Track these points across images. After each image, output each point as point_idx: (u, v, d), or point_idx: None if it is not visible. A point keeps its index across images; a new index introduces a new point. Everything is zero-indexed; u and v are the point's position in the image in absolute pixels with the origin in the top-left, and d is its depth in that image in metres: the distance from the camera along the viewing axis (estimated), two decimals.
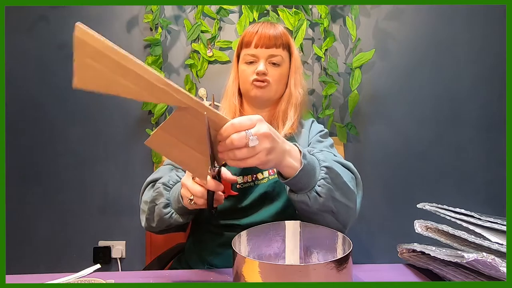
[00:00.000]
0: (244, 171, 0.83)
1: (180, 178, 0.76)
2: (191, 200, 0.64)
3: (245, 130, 0.52)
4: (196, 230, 0.89)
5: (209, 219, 0.84)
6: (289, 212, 0.81)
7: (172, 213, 0.73)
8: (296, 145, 0.62)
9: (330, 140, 0.91)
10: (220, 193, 0.63)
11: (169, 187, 0.77)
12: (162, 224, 0.76)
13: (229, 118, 0.53)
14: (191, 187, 0.63)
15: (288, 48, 0.89)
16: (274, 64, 0.87)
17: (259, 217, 0.80)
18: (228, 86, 0.94)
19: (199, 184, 0.63)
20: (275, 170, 0.83)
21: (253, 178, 0.83)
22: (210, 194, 0.62)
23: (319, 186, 0.62)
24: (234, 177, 0.66)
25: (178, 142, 0.54)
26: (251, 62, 0.87)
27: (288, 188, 0.67)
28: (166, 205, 0.74)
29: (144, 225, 0.80)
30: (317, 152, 0.68)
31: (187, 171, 0.67)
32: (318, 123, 0.99)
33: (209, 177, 0.59)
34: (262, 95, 0.88)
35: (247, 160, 0.53)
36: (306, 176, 0.61)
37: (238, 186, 0.82)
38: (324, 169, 0.63)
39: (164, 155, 0.57)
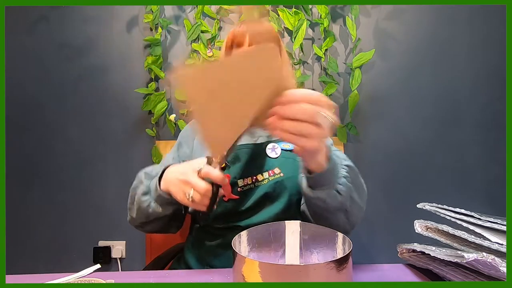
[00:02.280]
0: (244, 174, 0.82)
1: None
2: (190, 197, 0.61)
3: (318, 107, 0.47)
4: (196, 231, 0.89)
5: (209, 221, 0.83)
6: (290, 212, 0.81)
7: (151, 201, 0.72)
8: None
9: (329, 140, 0.90)
10: (222, 190, 0.62)
11: (151, 176, 0.76)
12: (142, 215, 0.74)
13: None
14: (195, 183, 0.60)
15: (277, 41, 0.88)
16: None
17: (260, 218, 0.80)
18: None
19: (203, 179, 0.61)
20: (275, 171, 0.83)
21: (253, 180, 0.82)
22: (214, 191, 0.60)
23: (340, 184, 0.62)
24: (220, 176, 0.60)
25: (218, 99, 0.47)
26: None
27: (304, 184, 0.65)
28: (145, 193, 0.73)
29: (128, 218, 0.79)
30: (335, 149, 0.67)
31: (187, 165, 0.65)
32: None
33: (217, 170, 0.57)
34: None
35: (301, 138, 0.48)
36: (330, 173, 0.60)
37: (239, 189, 0.81)
38: (346, 167, 0.63)
39: (194, 108, 0.50)
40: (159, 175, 0.71)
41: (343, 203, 0.63)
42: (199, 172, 0.61)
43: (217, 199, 0.62)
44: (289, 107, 0.47)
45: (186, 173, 0.63)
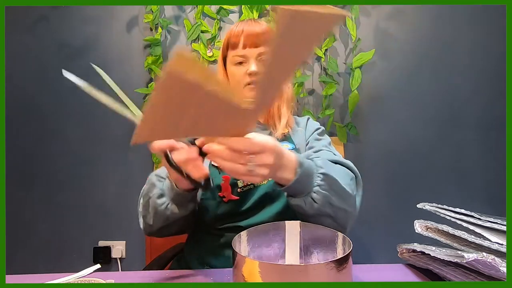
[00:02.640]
0: None
1: None
2: (186, 174, 0.58)
3: (250, 155, 0.51)
4: (196, 231, 0.89)
5: (209, 221, 0.83)
6: (290, 212, 0.80)
7: (167, 203, 0.70)
8: (293, 153, 0.62)
9: (327, 138, 0.90)
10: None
11: (162, 178, 0.74)
12: (159, 219, 0.72)
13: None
14: (180, 154, 0.57)
15: None
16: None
17: (260, 218, 0.79)
18: None
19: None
20: None
21: None
22: (198, 152, 0.57)
23: (314, 192, 0.63)
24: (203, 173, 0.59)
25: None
26: (240, 63, 0.84)
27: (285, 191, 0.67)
28: (160, 196, 0.71)
29: (142, 226, 0.77)
30: (316, 157, 0.68)
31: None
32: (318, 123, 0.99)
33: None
34: None
35: (236, 173, 0.53)
36: (300, 184, 0.62)
37: (239, 190, 0.81)
38: (321, 175, 0.63)
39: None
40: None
41: (321, 210, 0.64)
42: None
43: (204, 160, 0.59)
44: (222, 150, 0.51)
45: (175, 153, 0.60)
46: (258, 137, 0.53)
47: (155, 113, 0.42)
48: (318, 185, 0.63)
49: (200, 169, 0.58)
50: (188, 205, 0.70)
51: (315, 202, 0.63)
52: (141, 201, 0.75)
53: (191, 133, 0.49)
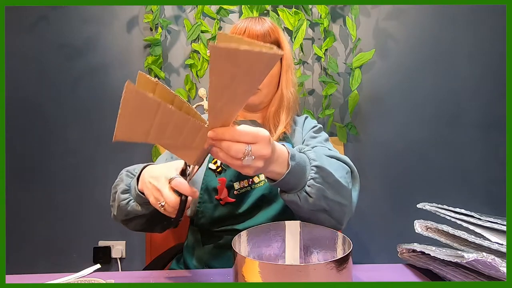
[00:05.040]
0: (240, 176, 0.81)
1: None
2: (162, 206, 0.61)
3: (245, 144, 0.50)
4: (195, 232, 0.89)
5: (206, 225, 0.82)
6: (287, 214, 0.80)
7: (130, 200, 0.71)
8: (284, 146, 0.60)
9: (324, 135, 0.89)
10: (189, 198, 0.61)
11: (133, 174, 0.74)
12: (121, 213, 0.73)
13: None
14: (166, 195, 0.59)
15: (277, 45, 0.84)
16: None
17: (258, 221, 0.79)
18: None
19: (175, 193, 0.60)
20: None
21: (250, 182, 0.82)
22: (182, 204, 0.59)
23: (308, 186, 0.61)
24: (188, 189, 0.59)
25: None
26: None
27: (279, 188, 0.66)
28: (125, 191, 0.72)
29: (112, 215, 0.79)
30: (309, 150, 0.66)
31: (160, 172, 0.64)
32: (318, 123, 0.98)
33: (187, 185, 0.58)
34: (253, 101, 0.86)
35: (232, 165, 0.52)
36: (294, 177, 0.60)
37: (235, 192, 0.80)
38: (314, 168, 0.61)
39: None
40: (137, 174, 0.70)
41: (316, 204, 0.62)
42: (171, 180, 0.60)
43: (185, 209, 0.61)
44: (217, 143, 0.50)
45: (159, 179, 0.62)
46: (250, 127, 0.51)
47: (126, 117, 0.49)
48: (312, 178, 0.61)
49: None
50: (149, 206, 0.69)
51: (309, 196, 0.61)
52: (111, 191, 0.77)
53: (160, 139, 0.51)
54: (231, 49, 0.38)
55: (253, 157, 0.50)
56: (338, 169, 0.66)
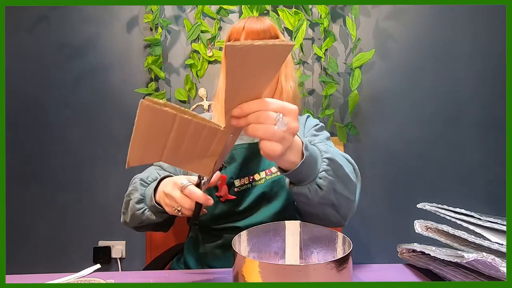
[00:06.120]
0: (240, 174, 0.82)
1: (159, 176, 0.75)
2: (178, 210, 0.64)
3: (275, 113, 0.48)
4: (194, 232, 0.89)
5: (207, 222, 0.83)
6: (288, 211, 0.80)
7: (145, 209, 0.73)
8: (298, 136, 0.59)
9: (326, 133, 0.88)
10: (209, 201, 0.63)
11: (146, 183, 0.76)
12: (135, 220, 0.75)
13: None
14: (179, 199, 0.62)
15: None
16: None
17: (258, 218, 0.79)
18: (219, 87, 0.91)
19: (188, 197, 0.62)
20: (272, 169, 0.82)
21: (250, 180, 0.82)
22: (198, 206, 0.62)
23: (320, 178, 0.60)
24: (202, 196, 0.61)
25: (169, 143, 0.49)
26: None
27: (287, 180, 0.65)
28: (140, 201, 0.74)
29: (121, 220, 0.81)
30: (319, 142, 0.65)
31: (172, 181, 0.66)
32: None
33: (201, 191, 0.60)
34: None
35: (263, 137, 0.49)
36: (306, 168, 0.59)
37: (236, 189, 0.81)
38: (326, 160, 0.61)
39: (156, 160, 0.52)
40: (154, 186, 0.72)
41: (326, 197, 0.61)
42: (183, 188, 0.62)
43: (200, 211, 0.65)
44: (245, 118, 0.49)
45: (171, 190, 0.65)
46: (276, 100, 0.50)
47: (139, 139, 0.47)
48: (324, 170, 0.60)
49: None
50: (163, 214, 0.73)
51: (320, 188, 0.60)
52: (124, 199, 0.78)
53: (173, 156, 0.51)
54: (247, 45, 0.40)
55: (286, 122, 0.48)
56: (346, 163, 0.65)
